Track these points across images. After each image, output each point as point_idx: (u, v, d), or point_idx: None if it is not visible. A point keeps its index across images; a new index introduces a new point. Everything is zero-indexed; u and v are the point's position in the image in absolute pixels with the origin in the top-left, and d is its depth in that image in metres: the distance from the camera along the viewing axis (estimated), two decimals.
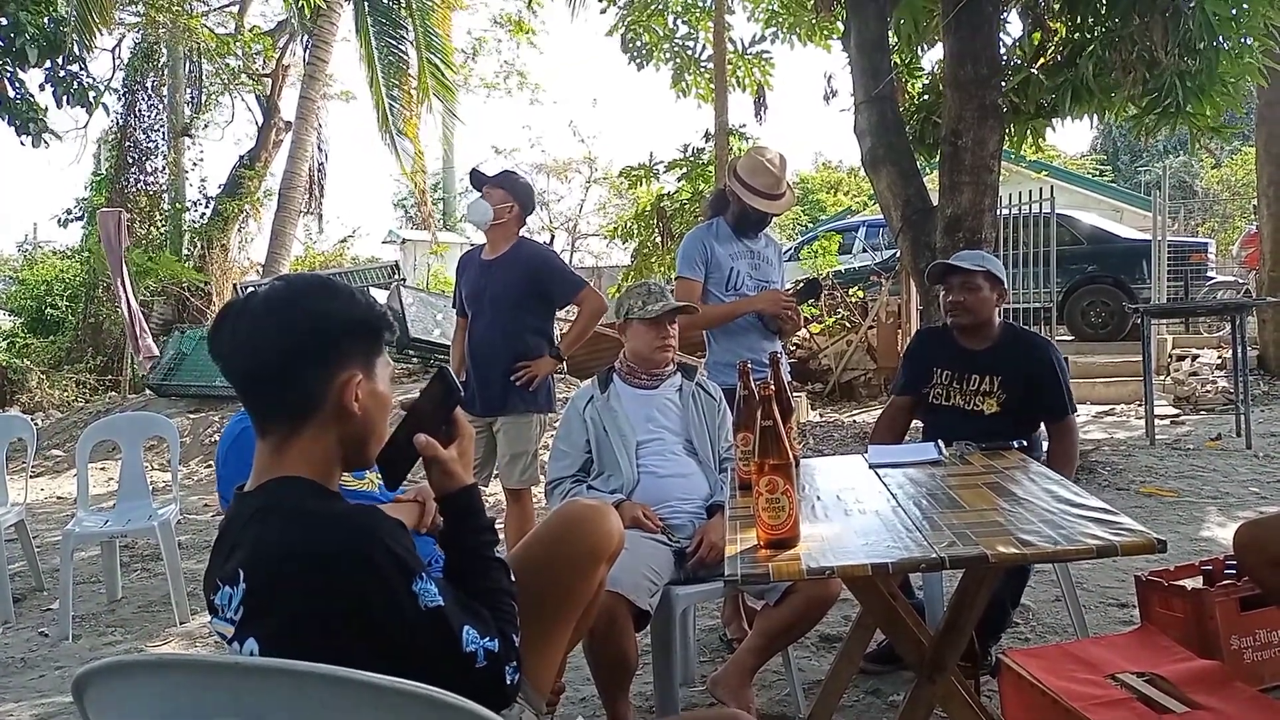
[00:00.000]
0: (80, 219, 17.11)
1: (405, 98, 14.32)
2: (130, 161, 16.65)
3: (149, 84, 16.99)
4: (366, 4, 14.15)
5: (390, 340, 1.49)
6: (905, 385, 3.31)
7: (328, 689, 1.10)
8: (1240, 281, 12.27)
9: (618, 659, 2.40)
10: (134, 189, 16.52)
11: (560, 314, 4.34)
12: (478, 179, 3.95)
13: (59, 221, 17.21)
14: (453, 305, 4.21)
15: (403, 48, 14.37)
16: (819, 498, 2.31)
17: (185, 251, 16.61)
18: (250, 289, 1.51)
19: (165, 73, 17.24)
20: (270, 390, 1.39)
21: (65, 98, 9.65)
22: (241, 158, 17.24)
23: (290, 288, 1.44)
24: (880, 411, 3.72)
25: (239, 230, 16.95)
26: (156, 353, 10.85)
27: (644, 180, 10.79)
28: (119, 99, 16.45)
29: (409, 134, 14.46)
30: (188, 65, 17.43)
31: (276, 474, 1.38)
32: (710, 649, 3.38)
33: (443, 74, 14.23)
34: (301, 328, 1.38)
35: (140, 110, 16.84)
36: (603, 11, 9.05)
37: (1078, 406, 3.31)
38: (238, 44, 15.78)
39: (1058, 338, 9.28)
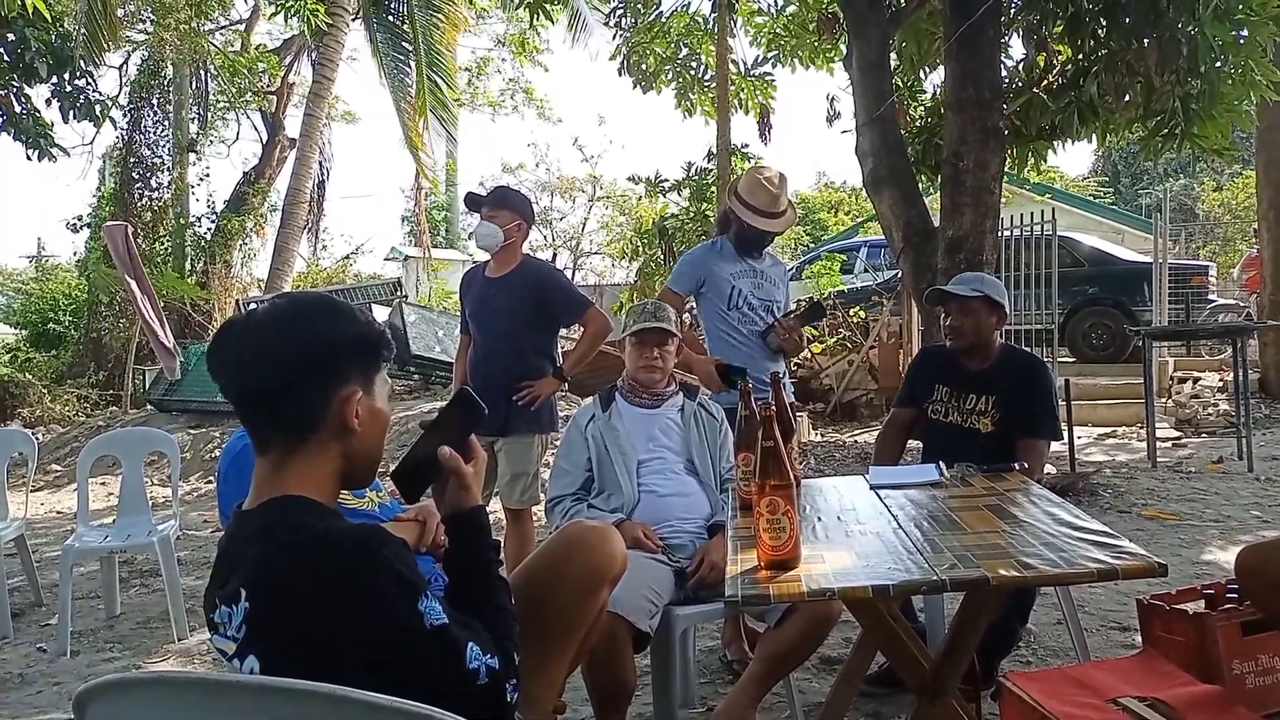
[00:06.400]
0: (89, 226, 17.15)
1: (410, 114, 14.57)
2: (135, 177, 16.72)
3: (154, 100, 17.08)
4: (374, 21, 14.35)
5: (389, 358, 1.50)
6: (907, 398, 3.37)
7: (328, 708, 1.10)
8: (1241, 304, 12.26)
9: (616, 682, 2.39)
10: (139, 204, 16.58)
11: (563, 331, 4.33)
12: (475, 201, 3.90)
13: (70, 226, 17.26)
14: (460, 325, 4.18)
15: (408, 64, 14.61)
16: (820, 519, 2.31)
17: (188, 267, 16.66)
18: (252, 305, 1.52)
19: (171, 89, 17.34)
20: (271, 407, 1.39)
21: (72, 112, 9.71)
22: (246, 174, 17.33)
23: (294, 306, 1.45)
24: (880, 430, 3.73)
25: (242, 247, 17.00)
26: (177, 359, 10.59)
27: (650, 194, 10.85)
28: (125, 115, 16.56)
29: (417, 146, 14.72)
30: (193, 82, 17.54)
31: (276, 493, 1.38)
32: (710, 670, 3.36)
33: (442, 92, 14.44)
34: (305, 346, 1.39)
35: (146, 126, 16.93)
36: (614, 37, 9.09)
37: (1062, 434, 3.31)
38: (245, 64, 15.92)
39: (1059, 359, 9.28)
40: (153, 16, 14.43)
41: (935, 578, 1.75)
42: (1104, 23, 5.42)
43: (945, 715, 2.04)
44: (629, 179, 12.22)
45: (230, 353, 1.41)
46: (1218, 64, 5.23)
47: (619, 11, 8.92)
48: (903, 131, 6.42)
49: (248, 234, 17.05)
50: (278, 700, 1.11)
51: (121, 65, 16.77)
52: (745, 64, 9.33)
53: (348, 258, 21.04)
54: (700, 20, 9.28)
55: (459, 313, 4.32)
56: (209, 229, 17.15)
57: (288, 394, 1.38)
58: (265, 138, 17.66)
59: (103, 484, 7.95)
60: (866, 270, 12.72)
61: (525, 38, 17.68)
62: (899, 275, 8.45)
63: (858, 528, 2.19)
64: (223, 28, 17.71)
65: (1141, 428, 7.68)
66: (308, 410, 1.39)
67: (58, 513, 7.72)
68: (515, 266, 3.82)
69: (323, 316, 1.43)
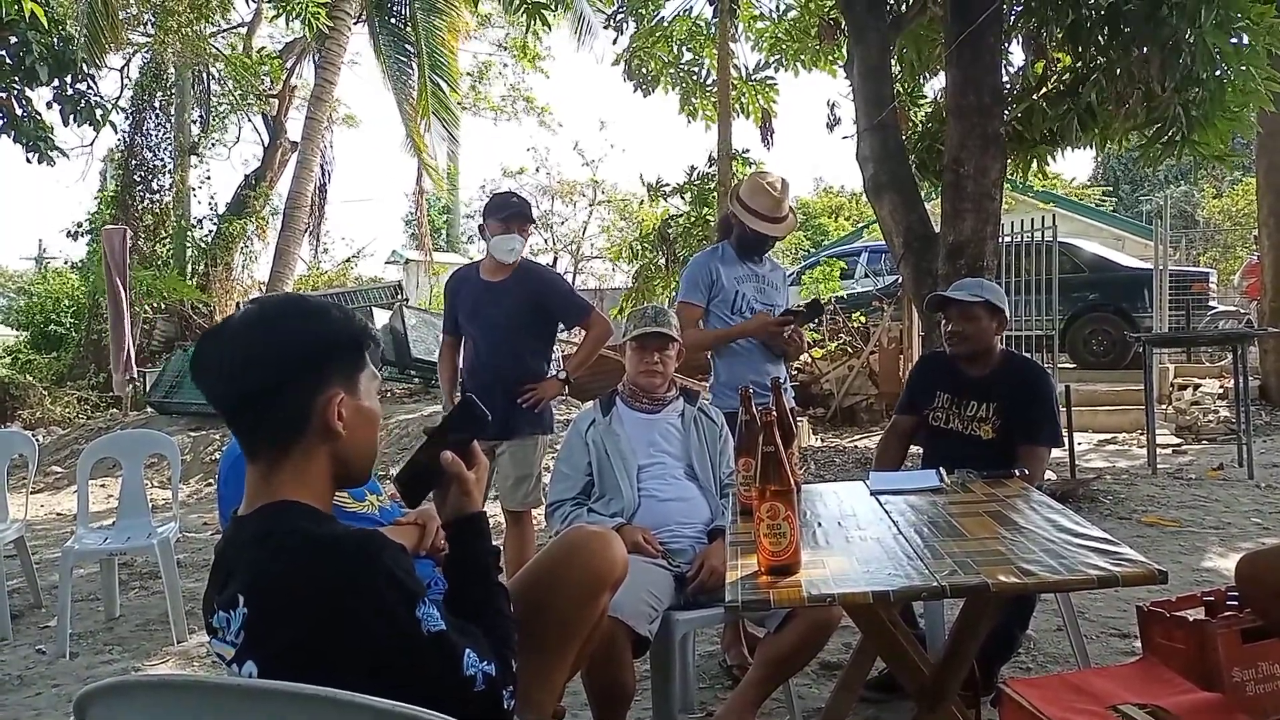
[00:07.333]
0: (89, 233, 17.16)
1: (413, 116, 14.63)
2: (137, 180, 16.71)
3: (156, 103, 17.08)
4: (377, 22, 14.40)
5: (369, 348, 1.48)
6: (908, 405, 3.38)
7: (328, 712, 1.10)
8: (1242, 311, 12.29)
9: (615, 686, 2.38)
10: (140, 207, 16.57)
11: (562, 335, 4.32)
12: (497, 211, 3.79)
13: (69, 234, 17.25)
14: (444, 325, 4.08)
15: (411, 66, 14.66)
16: (820, 524, 2.31)
17: (190, 270, 16.65)
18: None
19: (173, 92, 17.34)
20: (254, 415, 1.39)
21: (72, 116, 9.71)
22: (247, 177, 17.32)
23: (262, 311, 1.44)
24: (881, 436, 3.74)
25: (243, 250, 17.00)
26: (133, 376, 10.76)
27: (652, 198, 10.87)
28: (126, 118, 16.55)
29: (419, 148, 14.78)
30: (195, 85, 17.53)
31: (270, 498, 1.37)
32: (710, 675, 3.36)
33: (444, 94, 14.48)
34: (278, 351, 1.38)
35: (147, 129, 16.92)
36: (615, 42, 9.11)
37: (1062, 440, 3.30)
38: (247, 68, 15.94)
39: (1060, 365, 9.28)
40: (154, 19, 14.44)
41: (935, 584, 1.75)
42: (1104, 30, 5.43)
43: None
44: (639, 178, 12.28)
45: (209, 364, 1.40)
46: (1218, 72, 5.23)
47: (620, 16, 8.95)
48: (903, 137, 6.43)
49: (249, 237, 17.04)
50: (278, 704, 1.11)
51: (123, 68, 16.78)
52: (747, 69, 9.35)
53: (349, 261, 21.06)
54: (702, 25, 9.30)
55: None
56: (210, 232, 17.14)
57: (268, 402, 1.37)
58: (267, 141, 17.66)
59: (103, 486, 7.95)
60: (867, 275, 12.74)
61: (526, 43, 17.69)
62: (900, 280, 8.46)
63: (858, 533, 2.19)
64: (224, 30, 17.71)
65: (1142, 434, 7.68)
66: (290, 416, 1.38)
67: (57, 515, 7.72)
68: (515, 270, 3.82)
69: (294, 320, 1.42)
